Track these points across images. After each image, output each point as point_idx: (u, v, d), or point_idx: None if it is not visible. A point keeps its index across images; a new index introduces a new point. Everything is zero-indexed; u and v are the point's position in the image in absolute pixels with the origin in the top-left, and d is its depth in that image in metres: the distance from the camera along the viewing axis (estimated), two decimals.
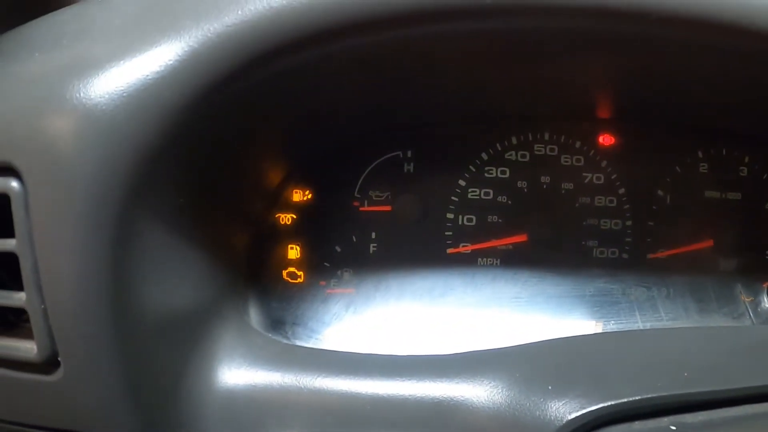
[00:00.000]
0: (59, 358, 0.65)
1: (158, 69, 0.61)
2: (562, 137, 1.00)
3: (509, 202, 1.00)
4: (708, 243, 1.01)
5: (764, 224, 1.02)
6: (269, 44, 0.61)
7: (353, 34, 0.62)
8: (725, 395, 0.69)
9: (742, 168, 1.02)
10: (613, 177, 1.00)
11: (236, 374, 0.75)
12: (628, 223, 1.01)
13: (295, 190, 0.97)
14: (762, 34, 0.61)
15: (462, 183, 0.99)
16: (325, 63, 0.68)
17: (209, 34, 0.61)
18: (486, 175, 0.99)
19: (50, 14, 0.74)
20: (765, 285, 1.00)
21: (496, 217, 0.99)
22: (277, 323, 0.94)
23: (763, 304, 1.00)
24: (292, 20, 0.60)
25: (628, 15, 0.61)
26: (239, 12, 0.61)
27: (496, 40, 0.70)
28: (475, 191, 0.99)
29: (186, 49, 0.61)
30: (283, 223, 0.97)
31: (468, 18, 0.62)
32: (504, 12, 0.62)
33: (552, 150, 1.00)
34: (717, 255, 1.02)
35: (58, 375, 0.65)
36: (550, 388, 0.69)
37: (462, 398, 0.70)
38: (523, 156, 1.00)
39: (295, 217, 0.97)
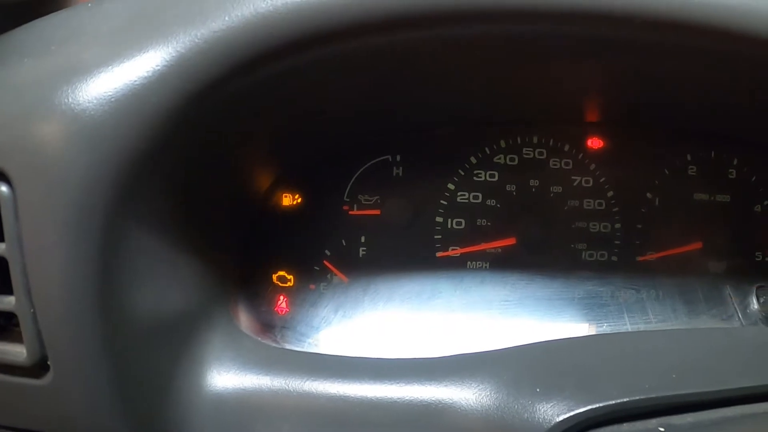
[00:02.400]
0: (49, 362, 0.65)
1: (146, 74, 0.61)
2: (551, 141, 1.01)
3: (498, 205, 1.00)
4: (697, 245, 1.02)
5: (753, 226, 1.03)
6: (256, 50, 0.61)
7: (340, 39, 0.63)
8: (713, 396, 0.69)
9: (730, 170, 1.03)
10: (601, 180, 1.01)
11: (225, 378, 0.75)
12: (617, 225, 1.01)
13: (284, 194, 0.97)
14: (750, 38, 0.62)
15: (451, 186, 0.99)
16: (313, 68, 0.68)
17: (197, 40, 0.61)
18: (475, 178, 1.00)
19: (39, 19, 0.74)
20: (755, 287, 1.01)
21: (485, 220, 1.00)
22: (266, 327, 0.95)
23: (752, 306, 1.00)
24: (279, 26, 0.61)
25: (614, 19, 0.62)
26: (226, 18, 0.61)
27: (485, 45, 0.70)
28: (464, 195, 1.00)
29: (174, 54, 0.61)
30: (272, 226, 0.97)
31: (451, 23, 0.63)
32: (489, 17, 0.62)
33: (541, 153, 1.01)
34: (706, 257, 1.02)
35: (47, 378, 0.65)
36: (538, 390, 0.69)
37: (450, 401, 0.70)
38: (512, 159, 1.00)
39: (284, 220, 0.97)
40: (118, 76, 0.61)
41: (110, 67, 0.61)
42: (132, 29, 0.64)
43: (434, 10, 0.61)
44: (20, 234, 0.63)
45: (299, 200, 0.97)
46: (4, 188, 0.63)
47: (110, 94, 0.60)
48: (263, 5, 0.61)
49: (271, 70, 0.64)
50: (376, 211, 0.99)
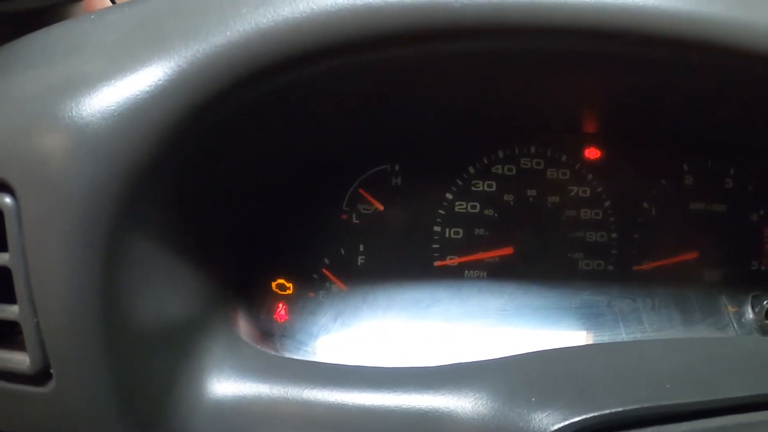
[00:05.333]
0: (51, 370, 0.65)
1: (148, 88, 0.61)
2: (548, 151, 1.01)
3: (496, 215, 1.00)
4: (693, 254, 1.02)
5: (749, 236, 1.03)
6: (257, 64, 0.62)
7: (340, 54, 0.63)
8: (708, 406, 0.70)
9: (727, 180, 1.03)
10: (598, 190, 1.01)
11: (225, 386, 0.75)
12: (614, 235, 1.02)
13: (284, 203, 0.97)
14: (747, 53, 0.63)
15: (449, 196, 1.00)
16: (313, 81, 0.68)
17: (198, 54, 0.61)
18: (473, 188, 1.00)
19: (42, 30, 0.74)
20: (750, 296, 1.01)
21: (482, 230, 1.00)
22: (265, 335, 0.95)
23: (747, 315, 1.01)
24: (280, 41, 0.61)
25: (608, 35, 0.62)
26: (227, 33, 0.61)
27: (483, 59, 0.71)
28: (462, 204, 1.00)
29: (175, 68, 0.61)
30: (271, 235, 0.97)
31: (448, 39, 0.63)
32: (487, 33, 0.63)
33: (538, 164, 1.01)
34: (702, 266, 1.03)
35: (50, 387, 0.66)
36: (534, 399, 0.69)
37: (447, 410, 0.71)
38: (510, 170, 1.01)
39: (283, 229, 0.97)
40: (121, 89, 0.61)
41: (113, 81, 0.62)
42: (134, 42, 0.65)
43: (433, 26, 0.62)
44: (24, 244, 0.63)
45: (299, 209, 0.97)
46: (7, 199, 0.63)
47: (113, 107, 0.61)
48: (264, 20, 0.61)
49: (272, 84, 0.65)
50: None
